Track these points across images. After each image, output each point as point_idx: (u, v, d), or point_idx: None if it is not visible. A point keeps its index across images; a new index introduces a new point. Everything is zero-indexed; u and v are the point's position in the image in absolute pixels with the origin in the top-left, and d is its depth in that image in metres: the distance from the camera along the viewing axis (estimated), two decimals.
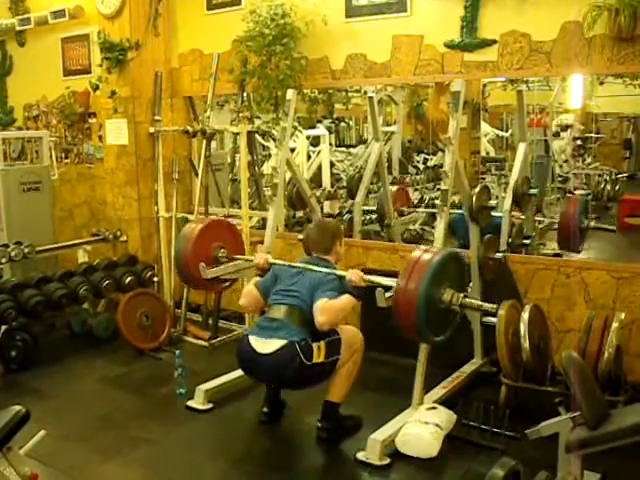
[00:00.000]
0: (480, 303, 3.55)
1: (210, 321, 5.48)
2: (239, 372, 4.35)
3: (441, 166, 4.63)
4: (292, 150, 7.02)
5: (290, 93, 4.73)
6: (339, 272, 3.73)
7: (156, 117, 5.77)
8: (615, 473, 3.04)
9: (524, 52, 4.24)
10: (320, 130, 8.24)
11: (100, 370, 4.87)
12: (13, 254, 5.13)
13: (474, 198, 4.22)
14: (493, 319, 3.96)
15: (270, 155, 7.64)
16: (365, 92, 7.18)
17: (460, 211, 4.71)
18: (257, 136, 6.26)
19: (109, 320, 5.43)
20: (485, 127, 8.97)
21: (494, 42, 4.33)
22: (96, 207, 6.61)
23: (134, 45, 5.60)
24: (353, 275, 3.64)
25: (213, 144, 6.04)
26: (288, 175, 5.15)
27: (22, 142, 6.18)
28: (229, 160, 6.15)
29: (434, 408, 3.71)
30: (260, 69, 5.01)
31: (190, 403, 4.18)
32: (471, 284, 4.15)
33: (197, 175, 5.71)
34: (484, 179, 7.85)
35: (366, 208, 6.68)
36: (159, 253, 5.84)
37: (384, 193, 6.42)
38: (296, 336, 3.48)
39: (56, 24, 6.43)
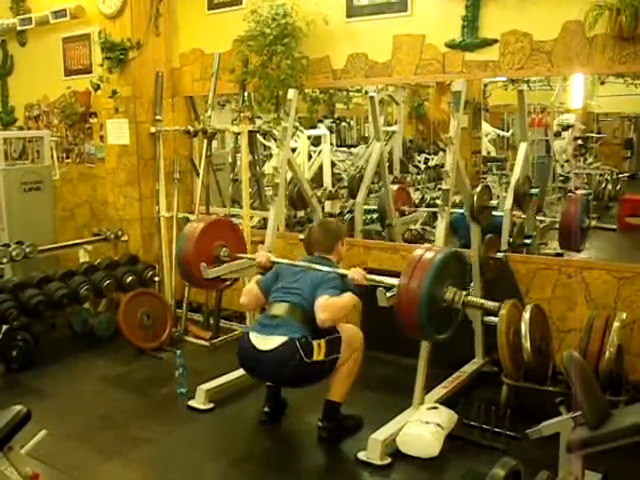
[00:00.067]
0: (482, 301, 3.55)
1: (211, 321, 5.48)
2: (240, 372, 4.36)
3: (442, 166, 4.63)
4: (293, 150, 7.03)
5: (291, 93, 4.73)
6: (341, 271, 3.73)
7: (157, 117, 5.77)
8: (616, 473, 3.04)
9: (525, 52, 4.24)
10: (321, 130, 8.24)
11: (101, 370, 4.87)
12: (14, 254, 5.13)
13: (475, 198, 4.22)
14: (494, 319, 3.96)
15: (271, 155, 7.64)
16: (366, 92, 7.18)
17: (461, 210, 4.71)
18: (258, 136, 6.26)
19: (110, 320, 5.43)
20: (486, 127, 8.96)
21: (495, 42, 4.33)
22: (97, 207, 6.61)
23: (135, 45, 5.60)
24: (355, 273, 3.64)
25: (214, 144, 6.05)
26: (289, 175, 5.14)
27: (23, 142, 6.18)
28: (230, 160, 6.15)
29: (435, 408, 3.71)
30: (261, 69, 5.01)
31: (191, 403, 4.18)
32: (472, 284, 4.16)
33: (198, 175, 5.71)
34: (485, 179, 7.85)
35: (367, 207, 6.68)
36: (160, 253, 5.84)
37: (385, 193, 6.42)
38: (297, 333, 3.48)
39: (57, 24, 6.43)
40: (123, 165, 5.84)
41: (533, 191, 5.40)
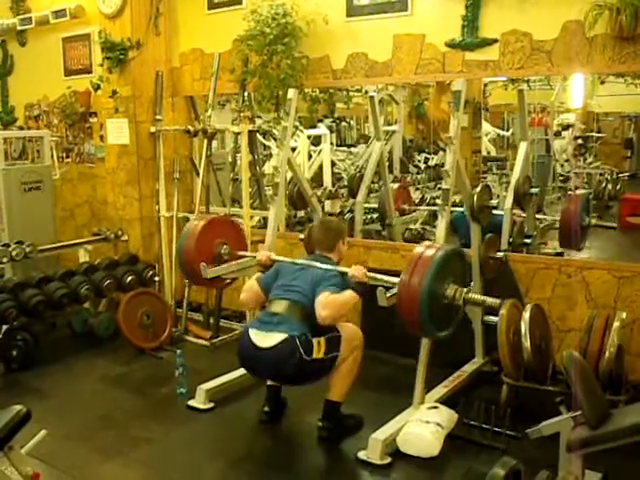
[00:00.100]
0: (483, 298, 3.54)
1: (211, 320, 5.48)
2: (240, 371, 4.36)
3: (442, 165, 4.63)
4: (293, 149, 7.03)
5: (291, 92, 4.73)
6: (342, 268, 3.73)
7: (157, 116, 5.77)
8: (616, 472, 3.04)
9: (525, 51, 4.24)
10: (321, 129, 8.24)
11: (101, 369, 4.87)
12: (14, 253, 5.12)
13: (475, 197, 4.22)
14: (494, 318, 3.96)
15: (271, 154, 7.65)
16: (366, 91, 7.19)
17: (461, 209, 4.71)
18: (258, 135, 6.26)
19: (110, 319, 5.43)
20: (486, 126, 8.97)
21: (495, 41, 4.33)
22: (97, 207, 6.61)
23: (135, 44, 5.60)
24: (356, 271, 3.64)
25: (214, 143, 6.04)
26: (289, 174, 5.14)
27: (23, 142, 6.18)
28: (230, 159, 6.15)
29: (435, 407, 3.71)
30: (261, 68, 5.01)
31: (191, 402, 4.18)
32: (472, 283, 4.15)
33: (198, 174, 5.71)
34: (485, 178, 7.86)
35: (367, 205, 6.68)
36: (160, 252, 5.84)
37: (385, 192, 6.42)
38: (296, 330, 3.48)
39: (57, 24, 6.43)
40: (123, 165, 5.84)
41: (533, 191, 5.40)
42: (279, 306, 3.64)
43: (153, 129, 5.78)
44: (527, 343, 3.69)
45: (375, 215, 6.80)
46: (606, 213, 7.58)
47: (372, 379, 4.38)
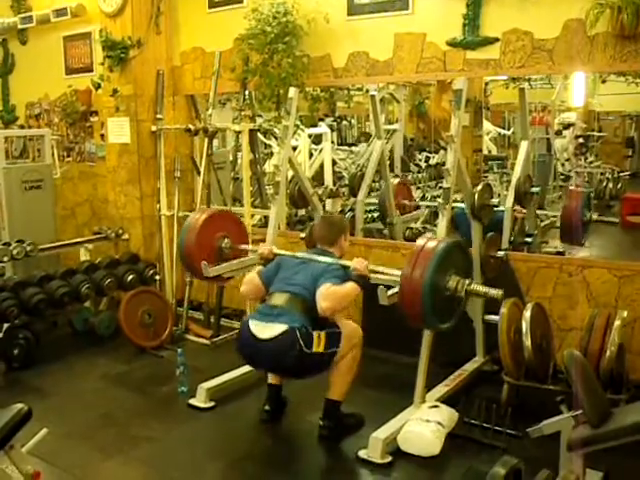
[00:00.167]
0: (485, 289, 3.53)
1: (212, 319, 5.48)
2: (241, 370, 4.37)
3: (443, 164, 4.62)
4: (294, 148, 7.03)
5: (292, 91, 4.73)
6: (343, 262, 3.73)
7: (158, 115, 5.77)
8: (617, 471, 3.03)
9: (526, 50, 4.24)
10: (322, 128, 8.24)
11: (102, 368, 4.87)
12: (15, 252, 5.13)
13: (476, 196, 4.22)
14: (495, 317, 3.96)
15: (272, 153, 7.64)
16: (367, 90, 7.18)
17: (463, 205, 4.70)
18: (259, 134, 6.26)
19: (111, 318, 5.43)
20: (487, 125, 8.97)
21: (496, 40, 4.33)
22: (98, 205, 6.61)
23: (136, 43, 5.59)
24: (358, 263, 3.65)
25: (215, 142, 6.04)
26: (290, 173, 5.14)
27: (24, 140, 6.17)
28: (231, 158, 6.15)
29: (436, 406, 3.71)
30: (262, 67, 5.01)
31: (192, 401, 4.18)
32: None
33: (199, 173, 5.71)
34: (486, 177, 7.86)
35: (369, 200, 6.68)
36: (161, 251, 5.85)
37: (386, 191, 6.41)
38: (297, 322, 3.47)
39: (58, 22, 6.43)
40: (124, 164, 5.84)
41: (534, 189, 5.40)
42: (280, 299, 3.63)
43: (154, 128, 5.78)
44: (528, 342, 3.69)
45: (376, 214, 6.80)
46: (607, 212, 7.58)
47: (373, 378, 4.38)
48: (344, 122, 10.16)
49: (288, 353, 3.44)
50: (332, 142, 8.47)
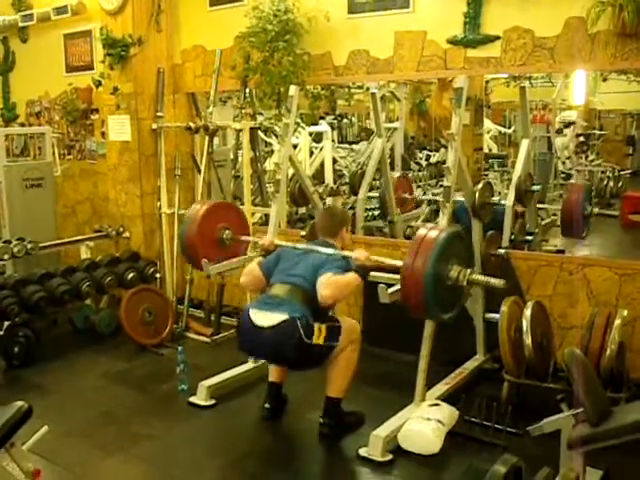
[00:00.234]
0: (487, 279, 3.53)
1: (212, 317, 5.48)
2: (241, 368, 4.38)
3: (444, 162, 4.61)
4: (295, 146, 7.02)
5: (293, 89, 4.72)
6: (345, 252, 3.73)
7: (159, 113, 5.77)
8: (617, 470, 3.04)
9: (527, 48, 4.23)
10: (323, 126, 8.24)
11: (102, 366, 4.87)
12: (16, 250, 5.13)
13: (477, 195, 4.21)
14: (496, 315, 3.96)
15: (272, 151, 7.64)
16: (368, 88, 7.17)
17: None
18: (259, 132, 6.26)
19: (111, 316, 5.43)
20: (488, 124, 8.97)
21: (497, 38, 4.32)
22: (98, 203, 6.61)
23: (136, 41, 5.59)
24: (359, 253, 3.66)
25: (215, 140, 6.04)
26: (291, 171, 5.14)
27: (25, 138, 6.19)
28: (231, 156, 6.15)
29: (436, 404, 3.71)
30: (263, 65, 5.00)
31: (192, 399, 4.18)
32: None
33: (199, 171, 5.71)
34: (487, 176, 7.86)
35: (371, 195, 6.68)
36: (161, 249, 5.85)
37: (387, 189, 6.42)
38: (297, 312, 3.46)
39: (58, 20, 6.43)
40: (124, 162, 5.84)
41: (535, 188, 5.40)
42: (280, 289, 3.63)
43: (154, 126, 5.77)
44: (528, 340, 3.69)
45: (377, 212, 6.81)
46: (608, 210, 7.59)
47: (373, 376, 4.38)
48: (345, 120, 10.16)
49: (287, 341, 3.42)
50: (333, 140, 8.47)
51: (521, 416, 3.55)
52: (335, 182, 7.74)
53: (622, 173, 9.10)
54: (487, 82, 7.80)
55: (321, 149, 8.09)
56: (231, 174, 6.08)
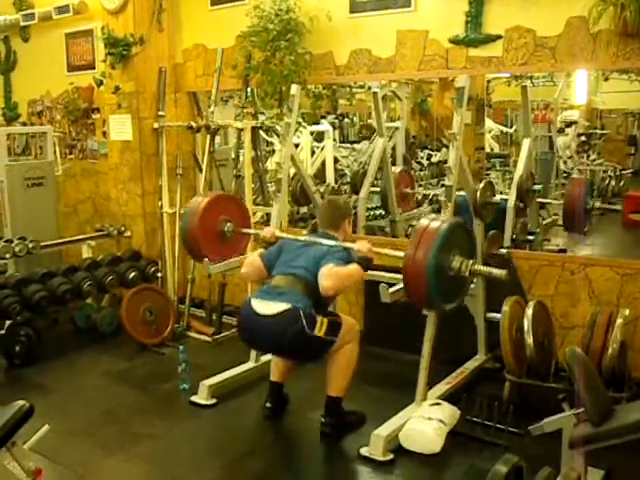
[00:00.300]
0: (489, 269, 3.52)
1: (214, 316, 5.49)
2: (243, 367, 4.38)
3: (445, 162, 4.62)
4: (296, 146, 7.02)
5: (294, 89, 4.72)
6: (347, 244, 3.73)
7: (160, 112, 5.77)
8: (619, 470, 3.03)
9: (529, 47, 4.22)
10: (324, 126, 8.23)
11: (104, 365, 4.88)
12: (17, 249, 5.13)
13: (478, 194, 4.21)
14: (497, 315, 3.96)
15: (274, 151, 7.64)
16: (369, 88, 7.17)
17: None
18: (261, 132, 6.25)
19: (113, 315, 5.43)
20: (489, 123, 8.96)
21: (499, 37, 4.31)
22: (100, 203, 6.61)
23: (138, 40, 5.59)
24: (361, 245, 3.65)
25: (217, 139, 6.04)
26: (292, 171, 5.14)
27: (26, 137, 6.19)
28: (233, 156, 6.13)
29: (438, 404, 3.71)
30: (264, 64, 5.00)
31: (194, 398, 4.18)
32: (475, 280, 4.15)
33: (201, 171, 5.71)
34: (488, 175, 7.85)
35: (372, 189, 6.67)
36: (163, 248, 5.85)
37: (388, 189, 6.41)
38: (300, 303, 3.46)
39: (60, 19, 6.44)
40: (126, 161, 5.84)
41: (536, 187, 5.40)
42: (282, 280, 3.62)
43: (156, 125, 5.77)
44: (530, 340, 3.69)
45: (378, 212, 6.80)
46: (609, 210, 7.57)
47: (374, 375, 4.38)
48: (346, 120, 10.15)
49: (288, 329, 3.41)
50: (334, 140, 8.46)
51: (522, 416, 3.55)
52: (336, 181, 7.74)
53: (624, 173, 9.08)
54: (489, 81, 7.80)
55: (322, 148, 8.08)
56: (233, 173, 6.07)
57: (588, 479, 2.68)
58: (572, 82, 8.59)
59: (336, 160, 8.27)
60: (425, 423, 3.53)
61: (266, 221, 5.60)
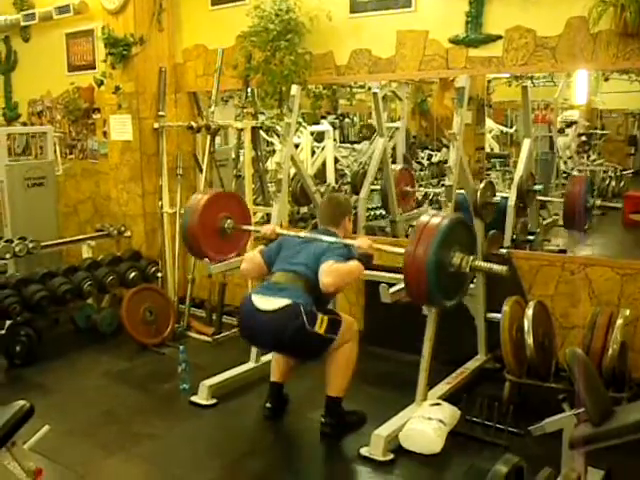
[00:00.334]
0: (490, 265, 3.52)
1: (214, 317, 5.49)
2: (243, 367, 4.38)
3: (445, 162, 4.62)
4: (296, 146, 7.02)
5: (294, 89, 4.72)
6: (347, 240, 3.73)
7: (160, 112, 5.77)
8: (619, 470, 3.03)
9: (529, 48, 4.23)
10: (324, 126, 8.23)
11: (104, 365, 4.88)
12: (17, 249, 5.13)
13: (478, 194, 4.21)
14: (497, 315, 3.96)
15: (274, 151, 7.64)
16: (369, 88, 7.17)
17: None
18: (261, 132, 6.25)
19: (113, 315, 5.43)
20: (490, 123, 8.96)
21: (499, 38, 4.31)
22: (100, 203, 6.61)
23: (138, 40, 5.59)
24: (362, 242, 3.65)
25: (217, 140, 6.04)
26: (292, 171, 5.14)
27: (26, 137, 6.19)
28: (233, 156, 6.14)
29: (438, 404, 3.71)
30: (264, 64, 5.00)
31: (194, 398, 4.18)
32: (475, 280, 4.15)
33: (201, 171, 5.71)
34: (489, 175, 7.85)
35: (372, 187, 6.67)
36: (163, 249, 5.85)
37: (388, 189, 6.41)
38: (301, 299, 3.46)
39: (60, 20, 6.44)
40: (126, 161, 5.84)
41: (536, 187, 5.40)
42: (282, 277, 3.62)
43: (156, 125, 5.78)
44: (530, 340, 3.69)
45: (378, 212, 6.80)
46: (609, 210, 7.57)
47: (374, 375, 4.38)
48: (346, 120, 10.15)
49: (289, 325, 3.40)
50: (334, 140, 8.46)
51: (523, 416, 3.55)
52: (337, 182, 7.74)
53: (624, 173, 9.09)
54: (489, 81, 7.80)
55: (323, 149, 8.08)
56: (233, 173, 6.07)
57: (588, 479, 2.68)
58: (572, 82, 8.59)
59: (336, 160, 8.27)
60: (425, 423, 3.53)
61: (266, 221, 5.59)
